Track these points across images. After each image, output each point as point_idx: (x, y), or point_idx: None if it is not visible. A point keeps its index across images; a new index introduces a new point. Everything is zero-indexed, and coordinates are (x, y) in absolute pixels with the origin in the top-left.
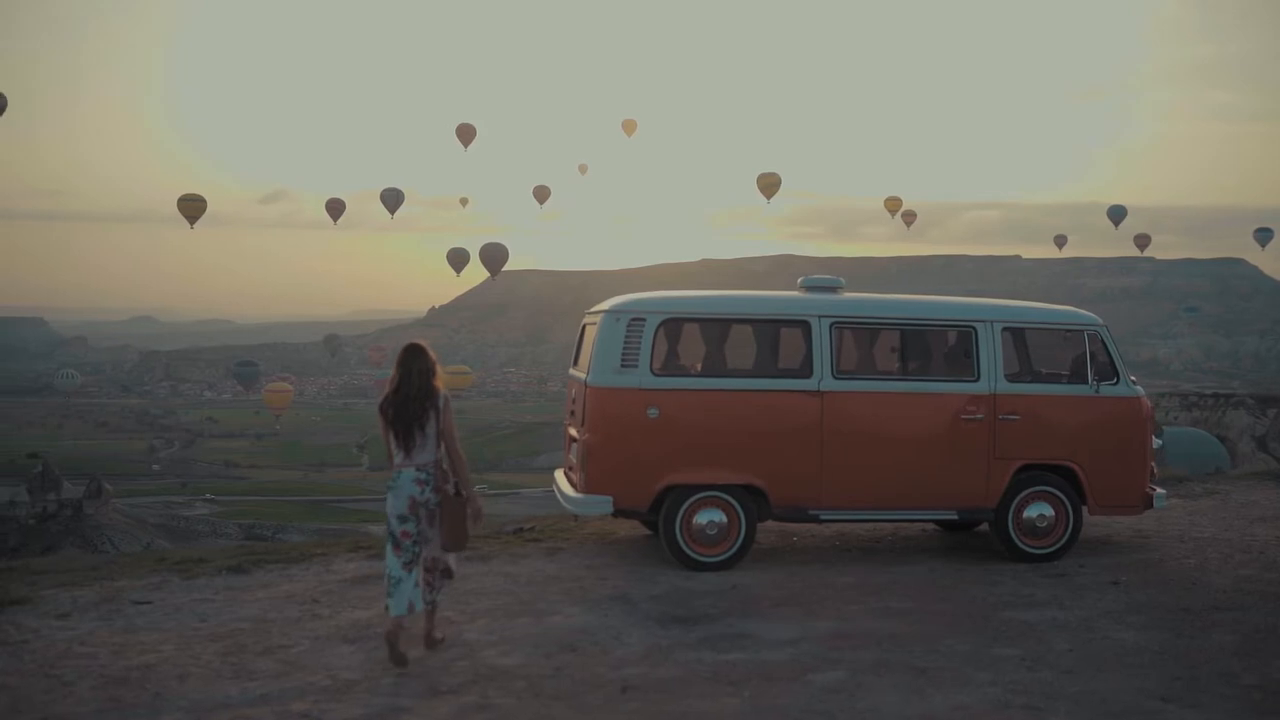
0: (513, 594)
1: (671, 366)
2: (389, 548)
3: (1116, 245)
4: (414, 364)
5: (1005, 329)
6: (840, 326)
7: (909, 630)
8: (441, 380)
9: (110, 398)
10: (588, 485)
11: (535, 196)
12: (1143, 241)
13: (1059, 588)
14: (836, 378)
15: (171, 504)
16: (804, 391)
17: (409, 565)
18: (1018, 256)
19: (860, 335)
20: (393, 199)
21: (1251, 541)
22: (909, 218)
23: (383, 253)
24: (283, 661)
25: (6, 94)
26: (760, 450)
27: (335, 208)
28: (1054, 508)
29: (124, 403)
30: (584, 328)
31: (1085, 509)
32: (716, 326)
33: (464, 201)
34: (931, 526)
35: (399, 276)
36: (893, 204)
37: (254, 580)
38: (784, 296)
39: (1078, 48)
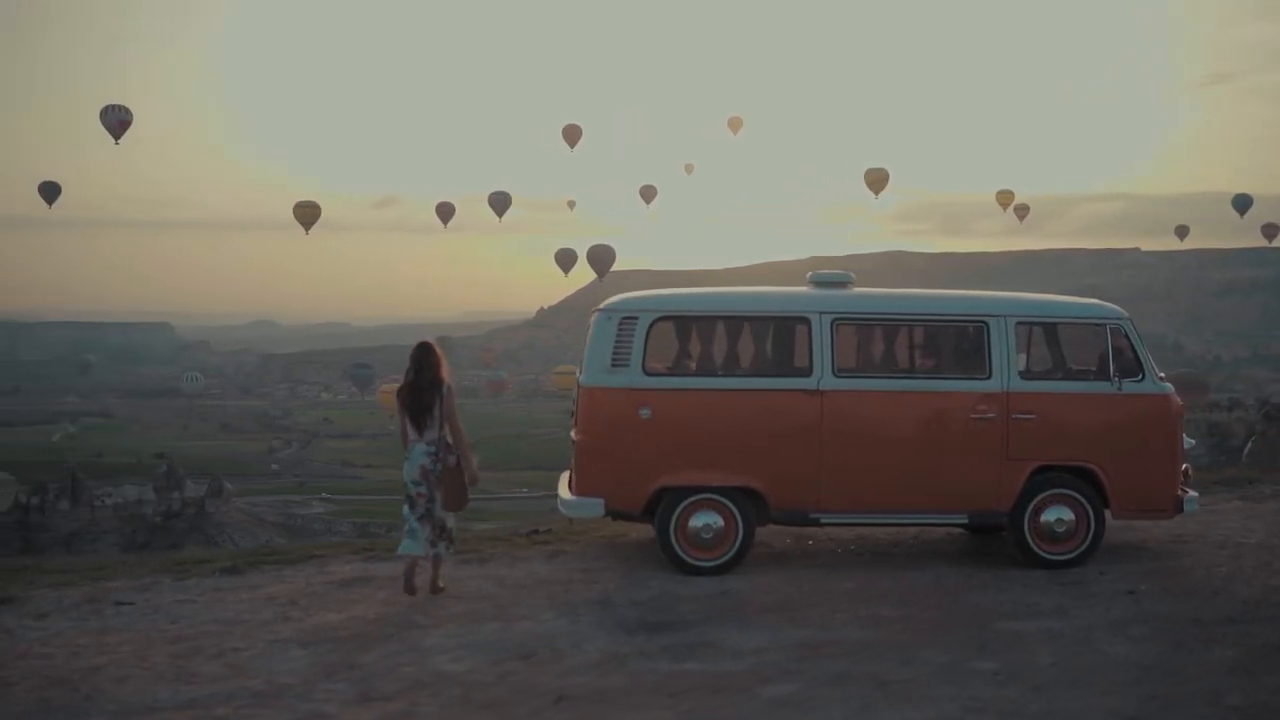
0: (493, 597)
1: (664, 366)
2: (406, 505)
3: (1243, 236)
4: (424, 360)
5: (1019, 324)
6: (842, 323)
7: (889, 640)
8: (446, 372)
9: (232, 399)
10: (579, 487)
11: (642, 196)
12: (1271, 231)
13: (1068, 596)
14: (837, 376)
15: (289, 503)
16: (803, 391)
17: (423, 519)
18: (1137, 249)
19: (864, 332)
20: (500, 202)
21: None
22: (1021, 212)
23: (491, 255)
24: (229, 665)
25: (133, 107)
26: (757, 451)
27: (445, 211)
28: (1074, 511)
29: (245, 404)
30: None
31: (1108, 513)
32: (712, 324)
33: (571, 204)
34: (957, 529)
35: (508, 278)
36: (1005, 198)
37: (243, 582)
38: (783, 292)
39: (1201, 31)
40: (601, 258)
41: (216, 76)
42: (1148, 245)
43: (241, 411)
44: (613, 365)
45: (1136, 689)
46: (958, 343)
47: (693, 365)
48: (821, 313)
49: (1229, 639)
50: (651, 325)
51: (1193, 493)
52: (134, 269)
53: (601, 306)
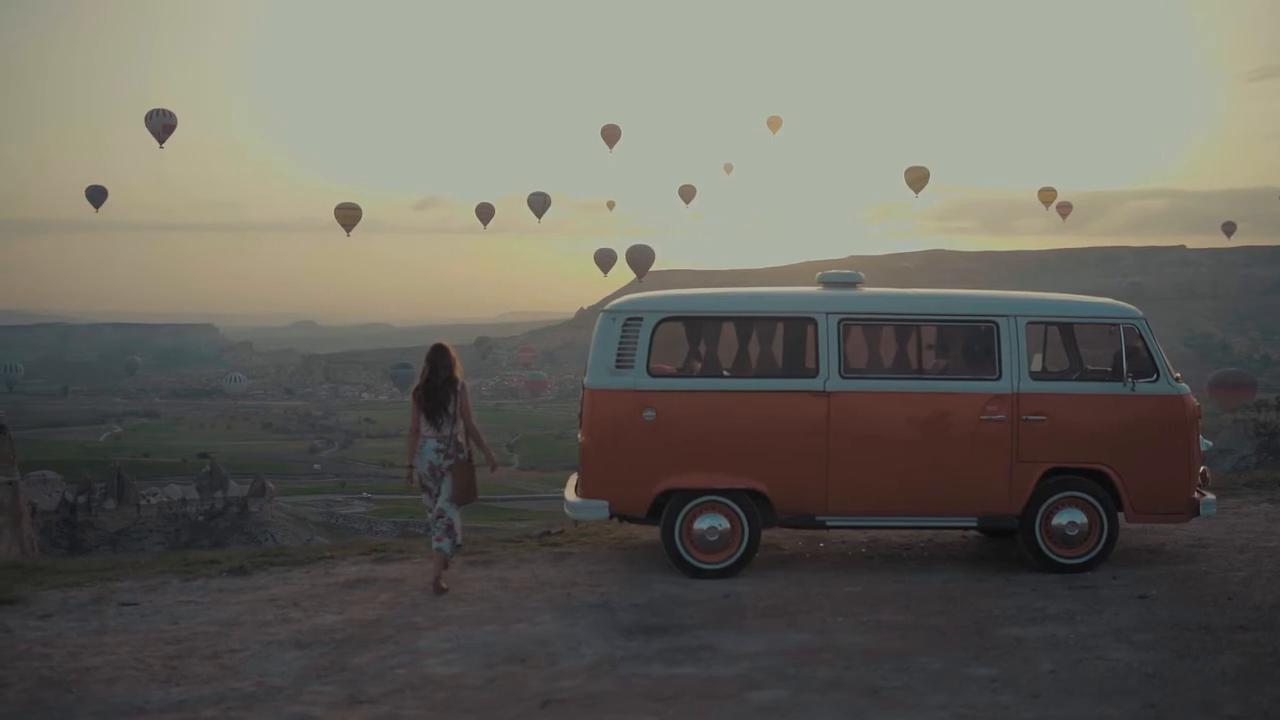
0: (494, 600)
1: (669, 367)
2: (424, 496)
3: None
4: (439, 360)
5: (1031, 324)
6: (849, 323)
7: (887, 645)
8: (460, 371)
9: (274, 400)
10: (584, 489)
11: (681, 196)
12: None
13: (1077, 601)
14: (844, 377)
15: (331, 502)
16: (809, 392)
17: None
18: (1183, 246)
19: (871, 332)
20: (539, 203)
21: None
22: (1064, 209)
23: (531, 256)
24: (222, 666)
25: (175, 111)
26: (763, 453)
27: (485, 212)
28: (1086, 514)
29: (287, 404)
30: None
31: (1122, 516)
32: (717, 325)
33: (610, 205)
34: (972, 531)
35: (547, 279)
36: (1047, 195)
37: (248, 583)
38: (789, 293)
39: (1250, 23)
40: (641, 258)
41: (258, 80)
42: (1193, 242)
43: (284, 411)
44: (617, 367)
45: (1134, 698)
46: (967, 343)
47: (698, 366)
48: (828, 313)
49: (1237, 646)
50: (656, 326)
51: (1210, 495)
52: (178, 271)
53: (606, 308)
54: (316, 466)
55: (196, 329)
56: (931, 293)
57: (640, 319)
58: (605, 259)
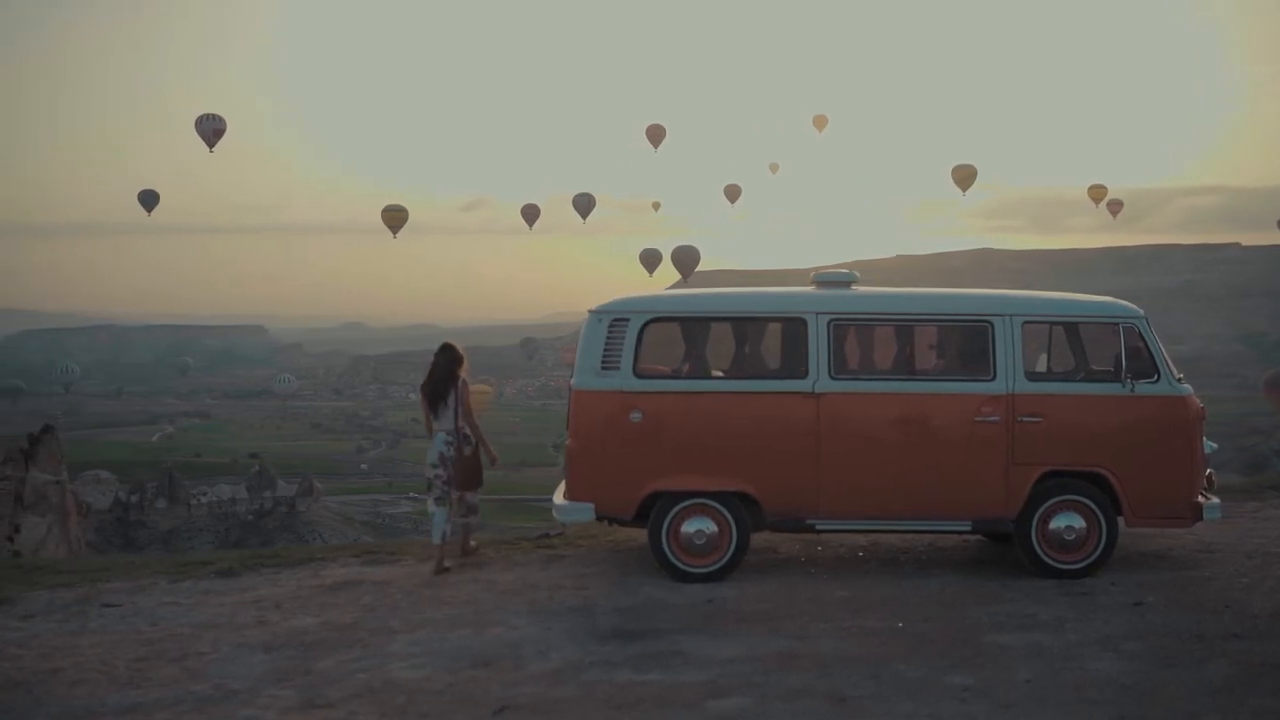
0: (476, 603)
1: (656, 368)
2: (428, 489)
3: None
4: (441, 356)
5: (1027, 323)
6: (840, 324)
7: (865, 653)
8: (465, 369)
9: (323, 400)
10: (570, 491)
11: (726, 196)
12: None
13: (1070, 608)
14: (835, 378)
15: (378, 502)
16: (799, 393)
17: (440, 501)
18: (1236, 244)
19: (863, 333)
20: (584, 204)
21: None
22: (1115, 207)
23: (577, 256)
24: (185, 669)
25: (225, 116)
26: (752, 456)
27: (530, 214)
28: (1085, 519)
29: (335, 405)
30: None
31: (1122, 520)
32: (705, 326)
33: (656, 206)
34: (974, 535)
35: (593, 279)
36: (1097, 192)
37: (236, 584)
38: (779, 293)
39: None
40: (686, 258)
41: (304, 84)
42: (1248, 239)
43: (332, 412)
44: (603, 368)
45: (1107, 709)
46: (961, 343)
47: (685, 368)
48: (818, 313)
49: (1227, 656)
50: (643, 327)
51: (1214, 499)
52: (229, 273)
53: (592, 308)
54: (364, 466)
55: (247, 330)
56: (925, 292)
57: (627, 319)
58: (650, 259)
